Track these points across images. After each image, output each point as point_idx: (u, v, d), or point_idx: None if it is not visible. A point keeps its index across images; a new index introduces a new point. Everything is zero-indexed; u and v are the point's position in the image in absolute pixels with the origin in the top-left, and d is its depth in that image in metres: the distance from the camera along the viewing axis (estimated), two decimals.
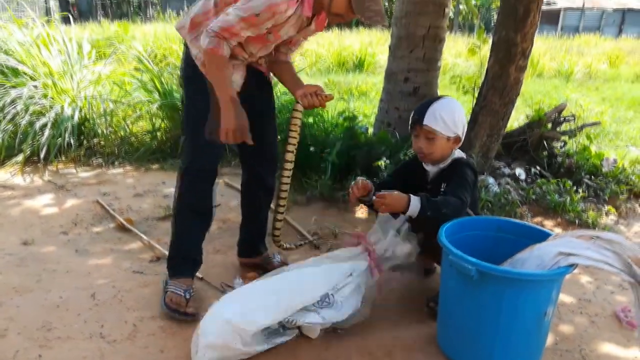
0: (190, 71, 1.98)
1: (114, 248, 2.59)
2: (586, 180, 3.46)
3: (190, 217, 2.11)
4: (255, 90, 2.08)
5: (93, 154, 4.07)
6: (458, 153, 2.10)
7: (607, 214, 3.23)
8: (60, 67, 4.51)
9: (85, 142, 4.16)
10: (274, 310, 1.76)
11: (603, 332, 2.01)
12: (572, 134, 3.90)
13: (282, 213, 2.22)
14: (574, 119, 4.04)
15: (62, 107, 4.07)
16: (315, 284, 1.87)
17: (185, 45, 2.00)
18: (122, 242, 2.66)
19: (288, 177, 2.12)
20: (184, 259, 2.14)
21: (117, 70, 4.85)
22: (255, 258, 2.44)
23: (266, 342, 1.77)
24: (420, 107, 2.05)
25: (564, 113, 3.97)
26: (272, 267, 2.30)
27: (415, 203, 1.83)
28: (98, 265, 2.41)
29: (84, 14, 25.26)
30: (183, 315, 1.97)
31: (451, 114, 1.99)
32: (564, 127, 4.00)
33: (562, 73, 10.79)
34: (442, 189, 1.99)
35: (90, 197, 3.25)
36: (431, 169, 2.09)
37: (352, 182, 2.02)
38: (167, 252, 2.44)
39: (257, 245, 2.44)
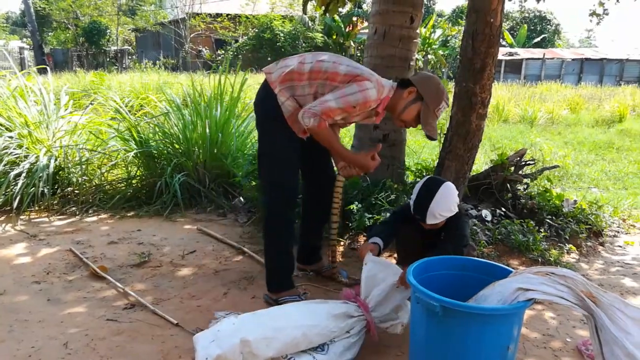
0: (276, 114, 2.34)
1: (87, 296, 2.59)
2: (548, 220, 3.63)
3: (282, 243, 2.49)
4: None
5: (67, 203, 4.07)
6: None
7: (568, 252, 3.38)
8: (37, 117, 4.57)
9: (59, 190, 4.17)
10: (279, 345, 1.84)
11: None
12: (533, 177, 4.10)
13: (335, 261, 2.75)
14: (534, 163, 4.26)
15: (37, 157, 4.10)
16: (317, 329, 1.94)
17: (270, 88, 2.34)
18: (96, 290, 2.65)
19: (335, 234, 2.65)
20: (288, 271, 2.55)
21: (93, 120, 4.92)
22: (312, 265, 2.88)
23: None
24: (419, 205, 2.33)
25: (525, 157, 4.18)
26: (327, 274, 2.83)
27: None
28: (71, 314, 2.40)
29: (59, 64, 25.41)
30: None
31: (447, 207, 2.30)
32: (526, 170, 4.20)
33: (526, 119, 11.30)
34: (442, 237, 2.38)
35: (64, 246, 3.25)
36: None
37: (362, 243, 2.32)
38: (141, 299, 2.48)
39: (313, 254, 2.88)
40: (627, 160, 8.01)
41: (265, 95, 2.38)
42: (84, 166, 4.30)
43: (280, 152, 2.40)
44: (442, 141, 3.69)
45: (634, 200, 5.08)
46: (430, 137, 2.31)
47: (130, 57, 29.71)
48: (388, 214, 3.27)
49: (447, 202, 2.30)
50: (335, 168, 2.61)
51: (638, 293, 2.86)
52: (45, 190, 3.97)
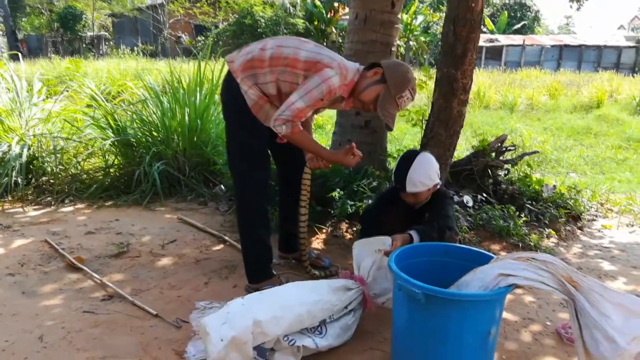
0: (240, 104, 2.26)
1: (64, 288, 2.52)
2: (528, 206, 3.66)
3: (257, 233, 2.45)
4: None
5: (42, 193, 3.97)
6: None
7: (548, 236, 3.41)
8: (8, 104, 4.42)
9: (33, 180, 4.06)
10: (287, 323, 1.83)
11: (546, 349, 2.12)
12: (513, 162, 4.13)
13: (305, 255, 2.63)
14: (515, 149, 4.29)
15: (10, 146, 3.98)
16: (319, 304, 1.95)
17: (232, 77, 2.26)
18: (72, 282, 2.59)
19: (304, 226, 2.54)
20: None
21: (68, 108, 4.79)
22: (292, 253, 2.82)
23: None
24: (399, 175, 2.34)
25: (506, 143, 4.21)
26: (310, 262, 2.69)
27: (416, 238, 2.17)
28: (46, 306, 2.34)
29: (33, 51, 24.73)
30: None
31: (426, 175, 2.31)
32: (507, 156, 4.23)
33: (507, 105, 11.39)
34: (426, 218, 2.38)
35: (39, 237, 3.16)
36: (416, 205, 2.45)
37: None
38: (119, 290, 2.44)
39: (293, 241, 2.73)
40: (604, 145, 8.15)
41: (229, 85, 2.30)
42: (58, 155, 4.19)
43: (247, 144, 2.33)
44: (424, 127, 3.68)
45: (611, 184, 5.18)
46: (387, 126, 2.22)
47: (107, 43, 29.04)
48: (370, 201, 3.27)
49: (425, 169, 2.30)
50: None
51: (616, 276, 2.91)
52: (19, 180, 3.86)
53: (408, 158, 2.35)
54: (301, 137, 2.21)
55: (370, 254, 2.23)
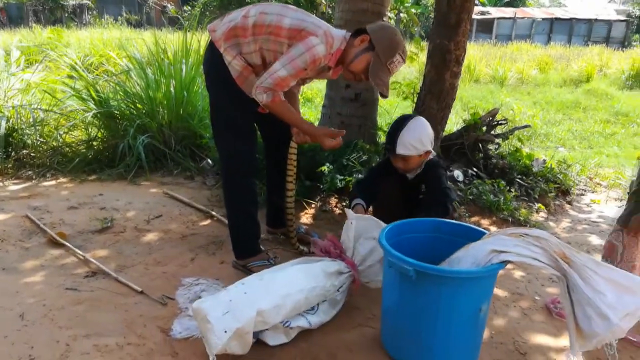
0: (223, 75, 2.17)
1: (45, 264, 2.45)
2: (518, 180, 3.64)
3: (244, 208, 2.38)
4: None
5: (22, 166, 3.85)
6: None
7: (537, 211, 3.41)
8: None
9: (13, 153, 3.93)
10: (286, 311, 1.81)
11: (535, 324, 2.11)
12: (504, 136, 4.09)
13: (293, 231, 2.60)
14: (506, 123, 4.24)
15: None
16: (316, 290, 1.92)
17: (215, 47, 2.16)
18: (54, 258, 2.52)
19: (291, 202, 2.51)
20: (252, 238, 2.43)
21: (48, 78, 4.62)
22: (281, 228, 2.75)
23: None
24: (390, 136, 2.32)
25: (497, 117, 4.16)
26: (298, 237, 2.67)
27: None
28: (27, 283, 2.27)
29: (14, 20, 23.94)
30: None
31: (418, 138, 2.26)
32: (498, 130, 4.19)
33: (497, 78, 11.33)
34: (423, 189, 2.36)
35: (19, 212, 3.07)
36: (409, 175, 2.42)
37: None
38: (103, 267, 2.38)
39: (281, 216, 2.66)
40: (593, 119, 8.15)
41: (211, 56, 2.20)
42: (39, 127, 4.06)
43: (232, 117, 2.24)
44: (415, 100, 3.62)
45: (599, 159, 5.18)
46: (382, 94, 2.13)
47: (90, 12, 28.18)
48: (360, 175, 3.22)
49: (417, 133, 2.27)
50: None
51: None
52: None
53: (402, 120, 2.31)
54: (282, 108, 2.13)
55: (368, 238, 2.14)
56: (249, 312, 1.71)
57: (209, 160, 4.00)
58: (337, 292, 2.03)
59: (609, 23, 27.47)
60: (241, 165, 2.30)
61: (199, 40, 4.50)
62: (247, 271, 2.35)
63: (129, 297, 2.18)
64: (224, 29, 2.14)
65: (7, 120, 3.93)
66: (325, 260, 2.08)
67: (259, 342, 1.82)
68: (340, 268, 2.05)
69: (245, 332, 1.68)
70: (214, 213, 3.12)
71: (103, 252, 2.60)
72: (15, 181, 3.67)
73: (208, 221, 3.07)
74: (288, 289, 1.86)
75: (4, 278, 2.31)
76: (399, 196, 2.40)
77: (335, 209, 3.25)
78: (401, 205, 2.35)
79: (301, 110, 5.41)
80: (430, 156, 2.42)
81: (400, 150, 2.26)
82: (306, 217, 3.17)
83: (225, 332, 1.65)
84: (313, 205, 3.28)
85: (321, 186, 3.30)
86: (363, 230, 2.15)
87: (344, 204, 3.25)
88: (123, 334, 1.92)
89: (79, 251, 2.55)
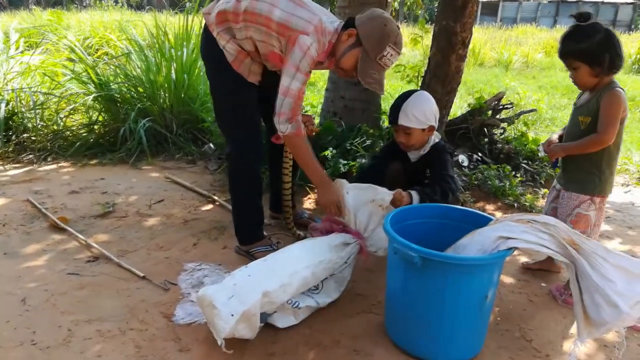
0: (220, 60, 2.08)
1: (47, 249, 2.44)
2: (524, 165, 3.60)
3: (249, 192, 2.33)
4: (270, 77, 2.18)
5: (23, 150, 3.83)
6: (435, 137, 2.37)
7: (543, 197, 3.36)
8: None
9: (14, 137, 3.90)
10: (293, 289, 1.80)
11: (541, 311, 2.09)
12: (510, 121, 4.04)
13: (290, 222, 2.60)
14: (512, 107, 4.18)
15: None
16: (322, 264, 1.90)
17: (208, 30, 2.10)
18: (56, 243, 2.51)
19: (288, 194, 2.52)
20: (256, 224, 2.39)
21: (47, 61, 4.56)
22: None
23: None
24: (394, 107, 2.28)
25: (503, 101, 4.10)
26: (301, 222, 2.70)
27: (415, 198, 2.13)
28: (29, 267, 2.26)
29: (14, 2, 23.71)
30: None
31: (421, 110, 2.22)
32: (503, 114, 4.13)
33: (502, 62, 11.20)
34: (427, 174, 2.32)
35: (21, 196, 3.05)
36: (413, 155, 2.38)
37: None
38: (105, 252, 2.36)
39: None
40: None
41: (206, 41, 2.12)
42: (39, 111, 4.02)
43: (235, 106, 2.17)
44: (420, 84, 3.56)
45: None
46: (375, 90, 2.07)
47: None
48: (364, 160, 3.18)
49: (421, 105, 2.24)
50: None
51: (611, 236, 2.88)
52: None
53: (407, 93, 2.30)
54: (302, 144, 2.07)
55: (365, 203, 2.12)
56: (255, 294, 1.69)
57: (211, 145, 3.96)
58: (345, 265, 2.01)
59: (615, 6, 27.07)
60: (247, 153, 2.24)
61: (200, 23, 4.42)
62: (250, 256, 2.33)
63: (131, 282, 2.16)
64: (217, 11, 2.06)
65: (7, 104, 3.90)
66: (329, 235, 2.06)
67: (266, 326, 1.81)
68: (345, 239, 2.02)
69: (252, 315, 1.66)
70: (216, 198, 3.09)
71: (105, 237, 2.58)
72: (16, 165, 3.64)
73: (210, 206, 3.04)
74: (294, 267, 1.84)
75: (5, 263, 2.30)
76: (403, 180, 2.36)
77: None
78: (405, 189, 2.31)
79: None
80: (436, 139, 2.37)
81: (403, 120, 2.22)
82: (309, 203, 3.14)
83: (232, 315, 1.63)
84: (316, 190, 3.24)
85: (324, 171, 3.26)
86: (359, 198, 2.11)
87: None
88: (125, 319, 1.91)
89: (80, 236, 2.54)
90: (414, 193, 2.13)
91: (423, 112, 2.23)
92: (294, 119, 2.00)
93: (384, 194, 2.11)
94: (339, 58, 2.04)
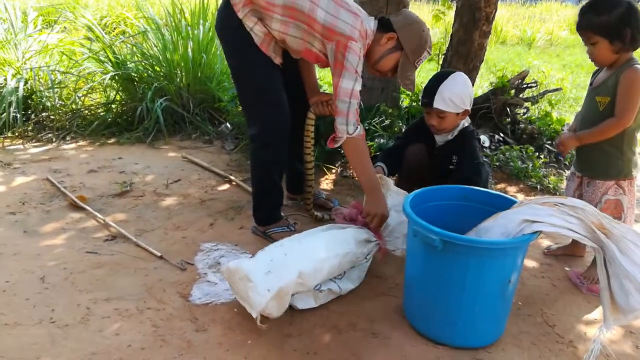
0: (244, 41, 2.04)
1: (66, 228, 2.45)
2: (547, 146, 3.50)
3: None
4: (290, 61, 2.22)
5: (42, 129, 3.85)
6: (465, 121, 2.28)
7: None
8: (3, 36, 4.21)
9: (33, 116, 3.93)
10: (322, 275, 1.81)
11: (564, 295, 2.03)
12: (534, 100, 3.91)
13: (310, 203, 2.57)
14: (537, 86, 4.05)
15: (5, 79, 3.81)
16: (348, 256, 1.89)
17: (231, 10, 2.02)
18: (75, 221, 2.52)
19: (311, 174, 2.49)
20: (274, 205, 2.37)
21: (65, 40, 4.56)
22: (301, 194, 2.65)
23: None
24: (429, 88, 2.21)
25: (527, 80, 3.97)
26: (319, 203, 2.67)
27: None
28: (48, 246, 2.28)
29: None
30: None
31: (458, 93, 2.14)
32: (527, 93, 4.01)
33: (525, 40, 10.87)
34: (454, 161, 2.24)
35: (40, 175, 3.07)
36: (440, 139, 2.31)
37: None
38: (123, 231, 2.36)
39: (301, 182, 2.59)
40: None
41: (228, 20, 2.06)
42: (57, 90, 4.02)
43: (265, 86, 2.13)
44: (441, 62, 3.46)
45: None
46: (408, 89, 2.13)
47: None
48: (382, 140, 3.12)
49: (458, 87, 2.16)
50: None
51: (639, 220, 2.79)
52: (18, 116, 3.72)
53: (443, 74, 2.23)
54: (364, 146, 2.09)
55: (398, 211, 2.06)
56: (291, 274, 1.69)
57: (228, 124, 3.93)
58: (365, 260, 1.99)
59: None
60: (276, 131, 2.19)
61: (217, 0, 4.36)
62: (267, 237, 2.31)
63: (148, 261, 2.17)
64: None
65: (26, 82, 3.90)
66: (353, 227, 2.03)
67: None
68: (368, 237, 2.00)
69: (285, 293, 1.66)
70: (232, 178, 3.07)
71: (122, 216, 2.59)
72: (35, 144, 3.66)
73: (227, 186, 3.02)
74: (327, 253, 1.83)
75: (25, 241, 2.32)
76: (426, 163, 2.30)
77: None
78: (428, 173, 2.25)
79: (321, 74, 5.27)
80: (466, 123, 2.29)
81: (439, 104, 2.15)
82: (326, 183, 3.11)
83: (269, 290, 1.62)
84: (333, 171, 3.20)
85: (341, 151, 3.21)
86: (395, 203, 2.08)
87: None
88: (143, 298, 1.91)
89: (99, 215, 2.54)
90: None
91: (460, 96, 2.15)
92: (359, 120, 2.04)
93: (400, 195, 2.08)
94: (378, 60, 2.09)
